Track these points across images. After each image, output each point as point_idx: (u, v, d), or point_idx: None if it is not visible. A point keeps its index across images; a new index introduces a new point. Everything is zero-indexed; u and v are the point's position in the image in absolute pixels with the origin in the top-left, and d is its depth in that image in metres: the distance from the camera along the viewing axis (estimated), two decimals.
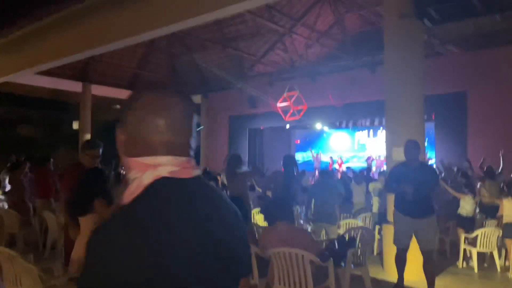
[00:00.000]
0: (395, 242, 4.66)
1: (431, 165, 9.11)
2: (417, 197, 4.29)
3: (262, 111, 14.99)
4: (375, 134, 17.25)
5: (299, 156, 17.69)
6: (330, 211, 6.08)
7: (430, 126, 14.49)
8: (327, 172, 7.65)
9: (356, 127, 17.66)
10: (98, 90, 14.90)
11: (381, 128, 17.01)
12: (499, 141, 9.91)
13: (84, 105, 14.42)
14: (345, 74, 12.17)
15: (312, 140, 18.78)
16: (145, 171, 0.92)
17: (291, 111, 11.64)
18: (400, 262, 4.63)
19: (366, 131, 17.53)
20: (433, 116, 12.03)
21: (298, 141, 18.80)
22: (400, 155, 4.69)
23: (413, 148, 4.40)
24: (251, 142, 16.38)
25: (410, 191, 4.26)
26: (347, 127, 17.18)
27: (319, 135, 18.64)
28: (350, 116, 14.33)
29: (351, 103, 12.13)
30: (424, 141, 5.87)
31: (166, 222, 0.87)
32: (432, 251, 4.54)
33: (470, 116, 10.93)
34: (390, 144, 5.51)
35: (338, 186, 6.76)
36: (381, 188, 7.57)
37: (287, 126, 17.78)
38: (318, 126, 16.37)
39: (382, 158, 15.46)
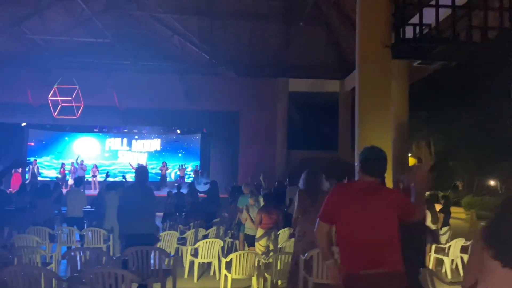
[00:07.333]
0: None
1: None
2: None
3: None
4: (129, 143, 16.17)
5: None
6: None
7: (196, 138, 14.98)
8: None
9: (109, 133, 16.09)
10: None
11: (136, 137, 16.25)
12: (263, 159, 11.23)
13: None
14: (123, 75, 10.83)
15: (50, 143, 15.70)
16: None
17: (59, 106, 9.25)
18: None
19: (120, 138, 16.19)
20: (204, 130, 12.39)
21: (33, 144, 15.23)
22: None
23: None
24: None
25: None
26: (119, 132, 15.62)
27: (60, 138, 15.82)
28: (127, 121, 12.79)
29: (132, 107, 10.87)
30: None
31: None
32: None
33: (241, 134, 11.91)
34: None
35: None
36: None
37: (23, 124, 14.31)
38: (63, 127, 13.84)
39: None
